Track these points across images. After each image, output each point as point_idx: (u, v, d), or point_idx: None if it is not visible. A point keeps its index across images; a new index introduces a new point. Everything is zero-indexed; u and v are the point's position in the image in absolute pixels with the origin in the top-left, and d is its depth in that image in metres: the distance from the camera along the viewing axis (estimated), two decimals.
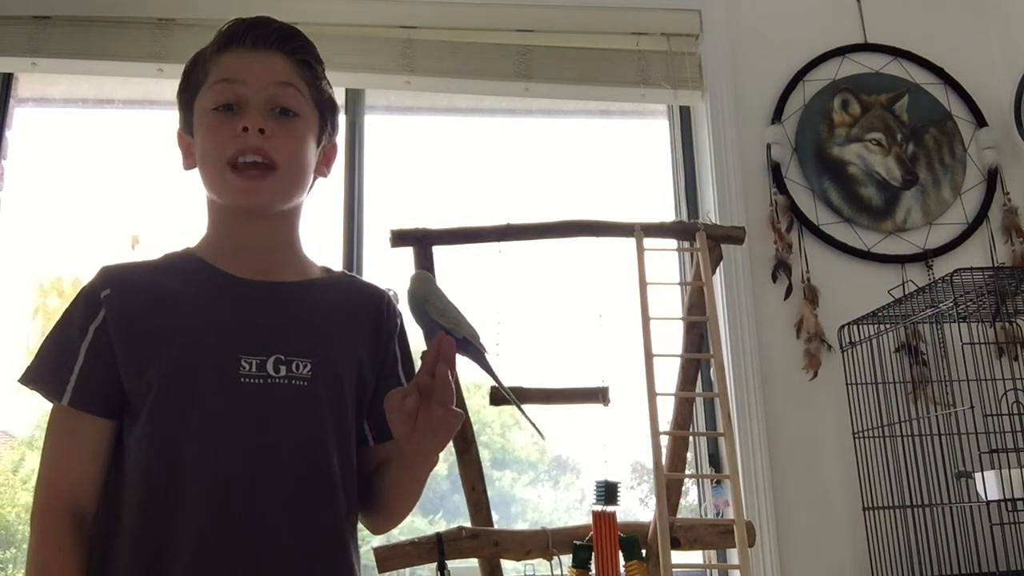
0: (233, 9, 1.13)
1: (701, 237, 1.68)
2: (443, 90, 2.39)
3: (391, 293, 1.17)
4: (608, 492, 1.52)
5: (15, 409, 2.10)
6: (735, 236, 1.74)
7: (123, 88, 2.36)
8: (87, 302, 1.02)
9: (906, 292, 1.98)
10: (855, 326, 2.02)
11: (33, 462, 2.10)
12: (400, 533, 1.94)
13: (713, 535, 1.56)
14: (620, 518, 1.51)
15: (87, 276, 1.06)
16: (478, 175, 2.37)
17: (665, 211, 2.36)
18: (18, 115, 2.29)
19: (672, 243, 1.88)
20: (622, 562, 1.49)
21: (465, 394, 1.61)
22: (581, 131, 2.51)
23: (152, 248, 1.13)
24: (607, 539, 1.48)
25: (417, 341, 1.15)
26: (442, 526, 1.74)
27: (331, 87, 1.16)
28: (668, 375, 1.65)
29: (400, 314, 1.16)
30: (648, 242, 1.69)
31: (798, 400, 2.11)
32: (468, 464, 1.60)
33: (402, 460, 1.02)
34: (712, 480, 2.12)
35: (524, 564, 1.62)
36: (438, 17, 2.30)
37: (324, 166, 1.16)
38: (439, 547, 1.48)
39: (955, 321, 1.94)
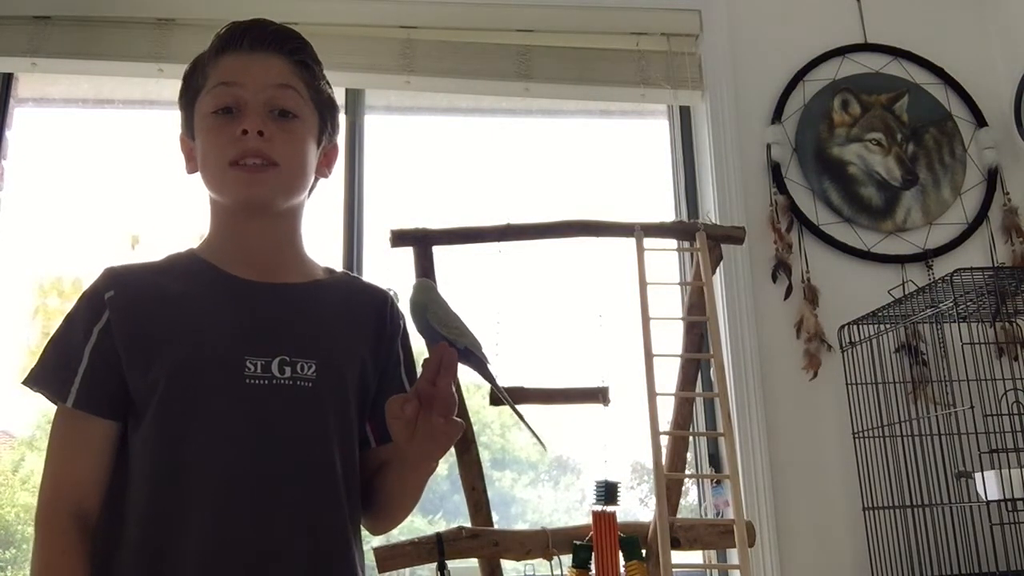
0: (233, 9, 1.14)
1: (701, 237, 1.69)
2: (443, 90, 2.39)
3: (392, 293, 1.17)
4: (608, 492, 1.52)
5: (15, 409, 2.10)
6: (735, 236, 1.74)
7: (123, 88, 2.36)
8: (91, 304, 1.02)
9: (906, 292, 1.98)
10: (855, 326, 2.02)
11: (33, 462, 2.10)
12: (400, 533, 1.94)
13: (713, 535, 1.56)
14: (620, 518, 1.51)
15: (87, 276, 1.06)
16: (478, 175, 2.36)
17: (665, 211, 2.36)
18: (18, 115, 2.28)
19: (672, 243, 1.88)
20: (622, 562, 1.49)
21: (465, 394, 1.61)
22: (581, 131, 2.51)
23: (152, 248, 1.13)
24: (607, 539, 1.48)
25: (419, 342, 1.15)
26: (442, 526, 1.74)
27: (330, 87, 1.16)
28: (668, 375, 1.65)
29: (402, 315, 1.16)
30: (648, 242, 1.69)
31: (798, 400, 2.11)
32: (468, 464, 1.60)
33: (402, 463, 1.02)
34: (712, 480, 2.12)
35: (524, 564, 1.62)
36: (438, 17, 2.30)
37: (325, 167, 1.16)
38: (439, 547, 1.48)
39: (955, 321, 1.94)
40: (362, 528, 1.11)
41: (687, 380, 1.65)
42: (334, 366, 1.03)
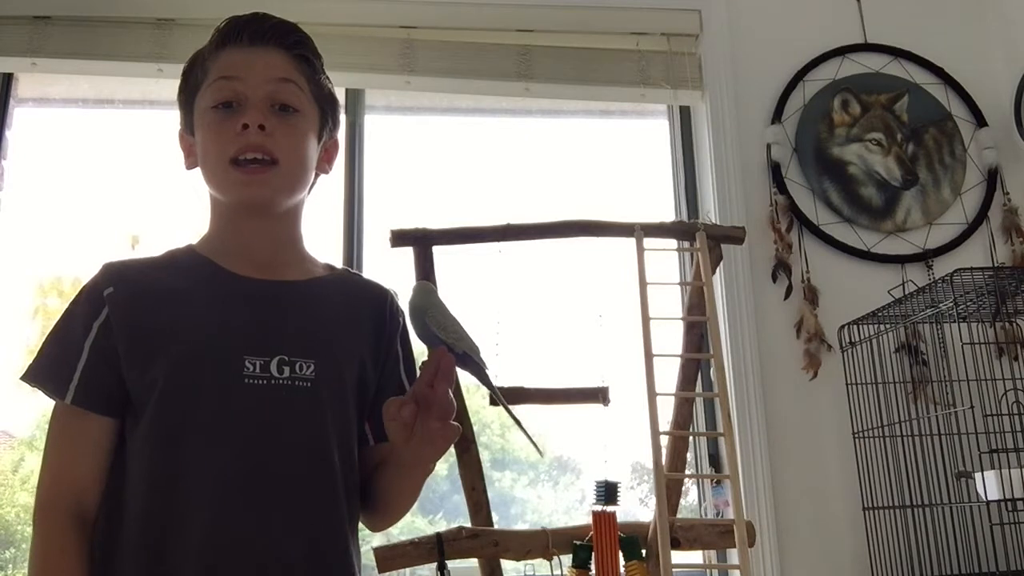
0: (233, 9, 1.13)
1: (701, 237, 1.69)
2: (443, 90, 2.39)
3: (392, 292, 1.17)
4: (608, 492, 1.52)
5: (15, 409, 2.10)
6: (735, 236, 1.74)
7: (123, 88, 2.36)
8: (90, 300, 1.02)
9: (906, 292, 1.98)
10: (855, 326, 2.02)
11: (33, 462, 2.10)
12: (400, 533, 1.94)
13: (713, 535, 1.56)
14: (620, 518, 1.51)
15: (87, 276, 1.05)
16: (478, 175, 2.36)
17: (665, 211, 2.36)
18: (18, 115, 2.28)
19: (672, 243, 1.88)
20: (622, 562, 1.49)
21: (465, 394, 1.61)
22: (581, 131, 2.51)
23: (152, 248, 1.13)
24: (607, 539, 1.48)
25: (419, 342, 1.15)
26: (442, 526, 1.74)
27: (331, 82, 1.15)
28: (668, 375, 1.65)
29: (403, 312, 1.15)
30: (648, 242, 1.69)
31: (798, 400, 2.11)
32: (468, 464, 1.60)
33: (399, 465, 1.02)
34: (712, 480, 2.12)
35: (524, 564, 1.62)
36: (438, 17, 2.30)
37: (326, 162, 1.16)
38: (439, 547, 1.48)
39: (955, 321, 1.94)
40: (361, 527, 1.11)
41: (687, 380, 1.65)
42: (333, 365, 1.03)
